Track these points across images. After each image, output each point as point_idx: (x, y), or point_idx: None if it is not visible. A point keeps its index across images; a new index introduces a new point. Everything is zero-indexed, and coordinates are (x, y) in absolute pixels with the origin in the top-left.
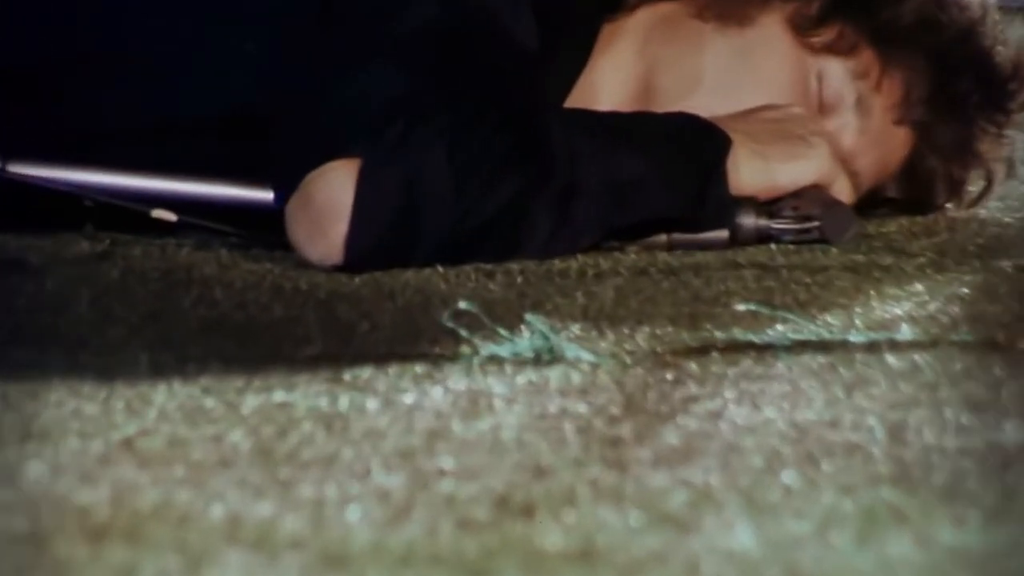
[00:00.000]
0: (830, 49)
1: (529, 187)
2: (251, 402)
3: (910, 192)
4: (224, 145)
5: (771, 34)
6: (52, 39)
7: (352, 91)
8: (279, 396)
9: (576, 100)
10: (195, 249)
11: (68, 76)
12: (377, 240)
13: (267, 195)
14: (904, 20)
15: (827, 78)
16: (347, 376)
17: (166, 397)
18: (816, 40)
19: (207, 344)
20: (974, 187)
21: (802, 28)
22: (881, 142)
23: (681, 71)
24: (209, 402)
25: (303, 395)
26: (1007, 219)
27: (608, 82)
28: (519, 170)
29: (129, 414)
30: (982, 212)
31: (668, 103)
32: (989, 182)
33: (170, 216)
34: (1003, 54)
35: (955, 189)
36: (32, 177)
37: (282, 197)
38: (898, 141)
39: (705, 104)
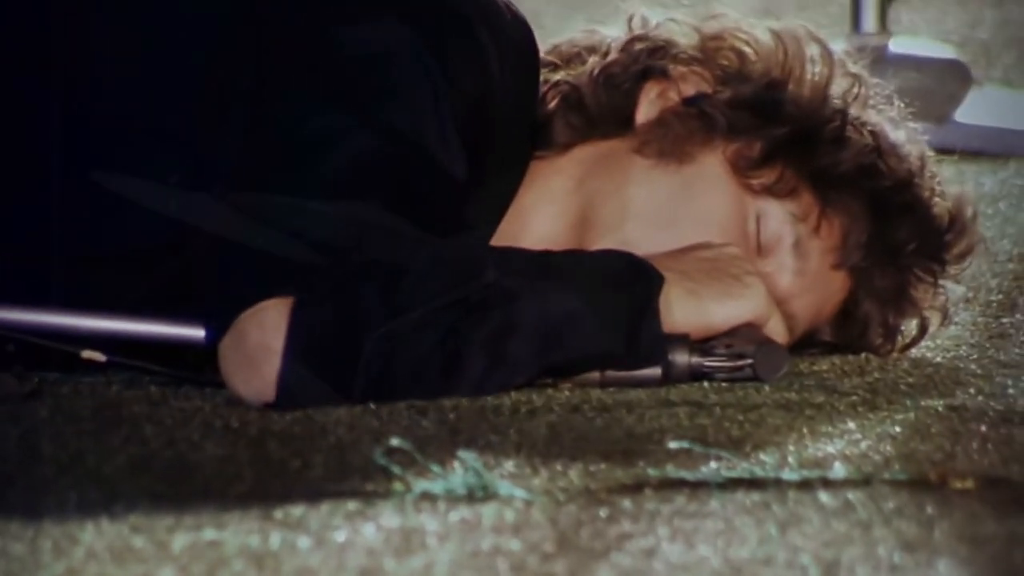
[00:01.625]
0: (770, 191)
1: (462, 326)
2: (181, 540)
3: (845, 336)
4: (150, 278)
5: (711, 173)
6: None
7: (285, 229)
8: (209, 534)
9: (505, 231)
10: (125, 387)
11: None
12: (309, 378)
13: (198, 332)
14: (844, 166)
15: (766, 219)
16: (278, 514)
17: (94, 536)
18: (756, 181)
19: (136, 482)
20: (907, 330)
21: (743, 169)
22: (817, 285)
23: (618, 205)
24: (138, 541)
25: (234, 533)
26: (938, 359)
27: (540, 214)
28: (452, 310)
29: (56, 554)
30: (912, 351)
31: (604, 237)
32: (923, 329)
33: (99, 357)
34: (941, 205)
35: (889, 335)
36: None
37: (213, 335)
38: (835, 285)
39: (641, 239)
